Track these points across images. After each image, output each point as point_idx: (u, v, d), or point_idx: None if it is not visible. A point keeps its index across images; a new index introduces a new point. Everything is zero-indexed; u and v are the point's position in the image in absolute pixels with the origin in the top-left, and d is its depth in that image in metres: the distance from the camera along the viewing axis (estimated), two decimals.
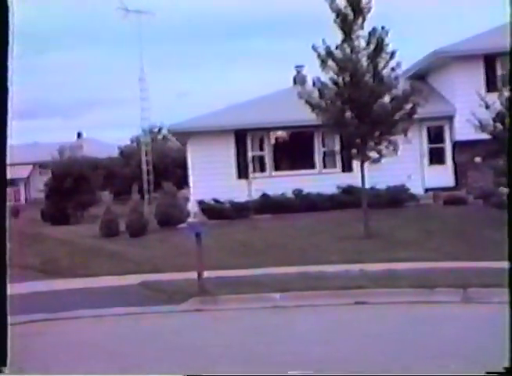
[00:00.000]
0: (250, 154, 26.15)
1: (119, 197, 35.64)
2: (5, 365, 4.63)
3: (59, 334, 10.21)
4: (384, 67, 19.63)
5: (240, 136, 25.99)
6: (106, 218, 23.81)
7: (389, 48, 19.48)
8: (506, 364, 4.99)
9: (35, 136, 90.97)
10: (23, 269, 17.41)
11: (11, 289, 14.90)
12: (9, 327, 10.82)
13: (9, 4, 4.66)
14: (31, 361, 8.41)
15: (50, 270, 17.04)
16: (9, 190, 62.34)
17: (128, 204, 24.50)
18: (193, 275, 12.87)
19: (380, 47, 19.37)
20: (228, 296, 12.37)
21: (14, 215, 39.67)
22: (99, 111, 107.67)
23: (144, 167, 36.23)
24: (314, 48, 19.44)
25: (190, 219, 14.15)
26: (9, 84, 4.99)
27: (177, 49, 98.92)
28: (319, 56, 19.49)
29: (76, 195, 33.39)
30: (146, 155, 36.68)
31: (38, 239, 23.73)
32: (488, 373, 5.39)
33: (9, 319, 11.62)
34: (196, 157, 26.06)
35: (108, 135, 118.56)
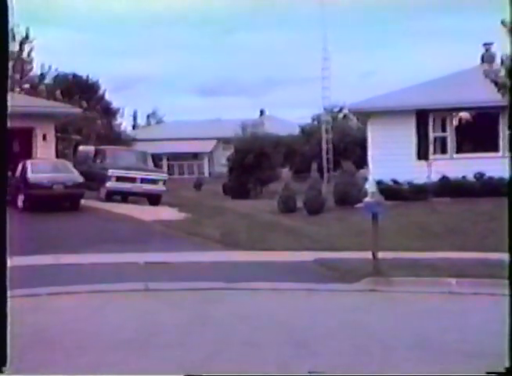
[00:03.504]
0: (431, 135, 25.61)
1: (298, 174, 36.16)
2: (4, 365, 4.77)
3: (236, 304, 10.59)
4: None
5: (422, 116, 25.48)
6: (284, 195, 24.29)
7: None
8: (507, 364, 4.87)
9: (220, 113, 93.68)
10: (203, 239, 18.19)
11: (192, 257, 15.55)
12: (192, 292, 11.38)
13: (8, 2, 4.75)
14: (210, 327, 8.83)
15: (229, 242, 17.59)
16: (193, 164, 64.92)
17: (307, 182, 24.80)
18: (368, 255, 12.85)
19: None
20: (404, 278, 12.25)
21: (197, 188, 41.35)
22: (282, 90, 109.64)
23: (324, 145, 36.42)
24: (504, 23, 18.60)
25: (367, 199, 14.06)
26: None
27: (361, 29, 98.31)
28: (509, 31, 18.62)
29: (257, 171, 34.22)
30: (327, 134, 36.83)
31: (219, 211, 24.64)
32: (488, 373, 5.18)
33: (191, 284, 12.20)
34: (376, 137, 25.88)
35: (290, 114, 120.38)
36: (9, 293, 11.36)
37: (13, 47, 52.20)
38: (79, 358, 7.23)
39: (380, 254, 12.80)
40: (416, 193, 23.60)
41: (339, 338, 8.21)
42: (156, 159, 42.66)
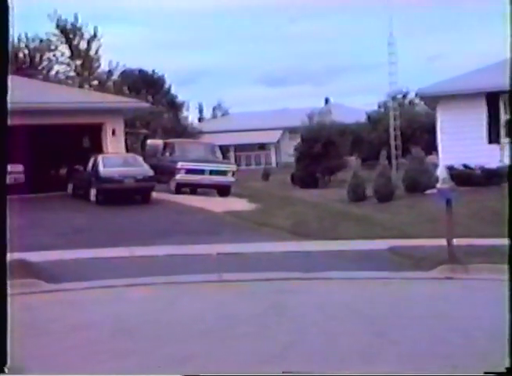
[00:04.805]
0: (502, 118, 25.04)
1: (366, 162, 35.87)
2: (5, 365, 4.76)
3: (312, 293, 10.57)
4: None
5: (492, 99, 24.92)
6: (353, 183, 24.13)
7: None
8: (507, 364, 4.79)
9: (286, 102, 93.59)
10: (275, 229, 18.20)
11: (265, 247, 15.47)
12: (266, 282, 11.35)
13: (9, 2, 4.75)
14: (286, 317, 8.83)
15: (300, 232, 17.55)
16: (260, 154, 64.96)
17: (376, 169, 24.57)
18: (442, 242, 12.64)
19: None
20: (480, 265, 11.98)
21: (265, 178, 41.42)
22: (348, 77, 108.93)
23: (392, 132, 36.02)
24: None
25: (438, 185, 13.84)
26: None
27: (427, 12, 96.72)
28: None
29: (324, 159, 34.09)
30: (394, 120, 36.41)
31: (289, 201, 24.64)
32: (488, 373, 5.08)
33: (265, 275, 12.17)
34: (445, 122, 25.45)
35: (356, 101, 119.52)
36: (86, 284, 11.61)
37: (82, 45, 53.33)
38: (162, 348, 7.32)
39: (455, 241, 12.58)
40: (488, 178, 23.10)
41: (418, 326, 8.09)
42: (224, 150, 42.90)
